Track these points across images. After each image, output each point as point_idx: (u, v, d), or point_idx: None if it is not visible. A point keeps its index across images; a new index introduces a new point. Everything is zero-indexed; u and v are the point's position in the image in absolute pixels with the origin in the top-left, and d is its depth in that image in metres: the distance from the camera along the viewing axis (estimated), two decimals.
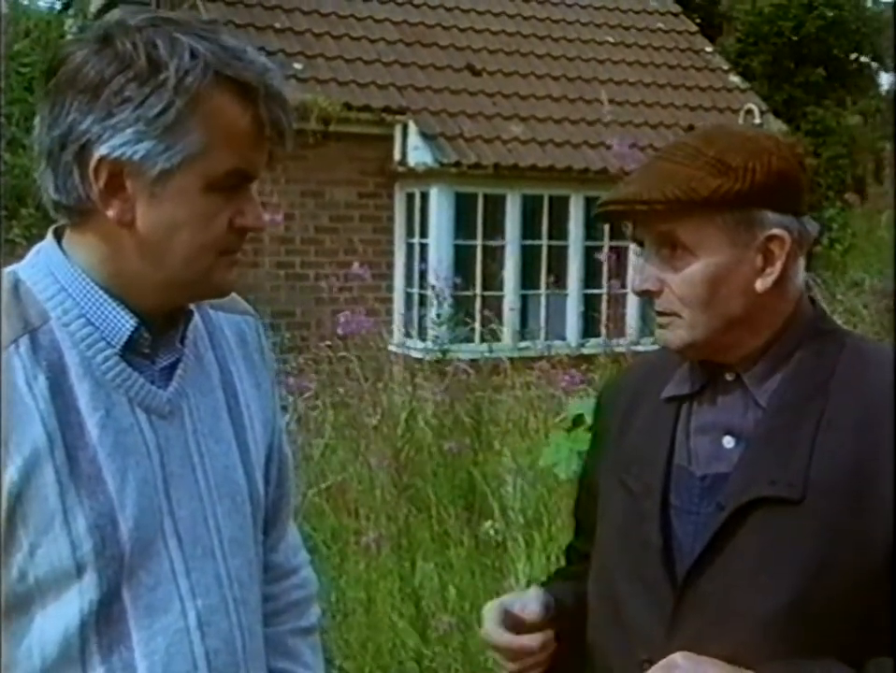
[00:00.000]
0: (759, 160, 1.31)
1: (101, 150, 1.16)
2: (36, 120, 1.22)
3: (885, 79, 20.20)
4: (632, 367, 1.74)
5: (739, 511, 1.30)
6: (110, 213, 1.19)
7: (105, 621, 1.20)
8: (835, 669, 1.25)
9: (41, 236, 1.30)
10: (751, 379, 1.37)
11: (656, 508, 1.38)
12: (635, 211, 1.36)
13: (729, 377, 1.38)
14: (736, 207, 1.31)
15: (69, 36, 7.41)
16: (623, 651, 1.36)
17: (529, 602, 1.46)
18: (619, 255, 9.09)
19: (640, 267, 1.39)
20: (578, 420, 3.34)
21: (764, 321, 1.36)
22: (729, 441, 1.36)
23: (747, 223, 1.32)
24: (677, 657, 1.27)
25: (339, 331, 4.96)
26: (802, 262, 1.38)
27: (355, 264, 7.44)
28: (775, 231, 1.32)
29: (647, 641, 1.33)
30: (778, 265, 1.33)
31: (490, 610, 1.47)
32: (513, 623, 1.45)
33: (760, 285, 1.34)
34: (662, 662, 1.27)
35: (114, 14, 1.25)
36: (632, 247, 9.15)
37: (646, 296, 1.39)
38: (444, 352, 7.16)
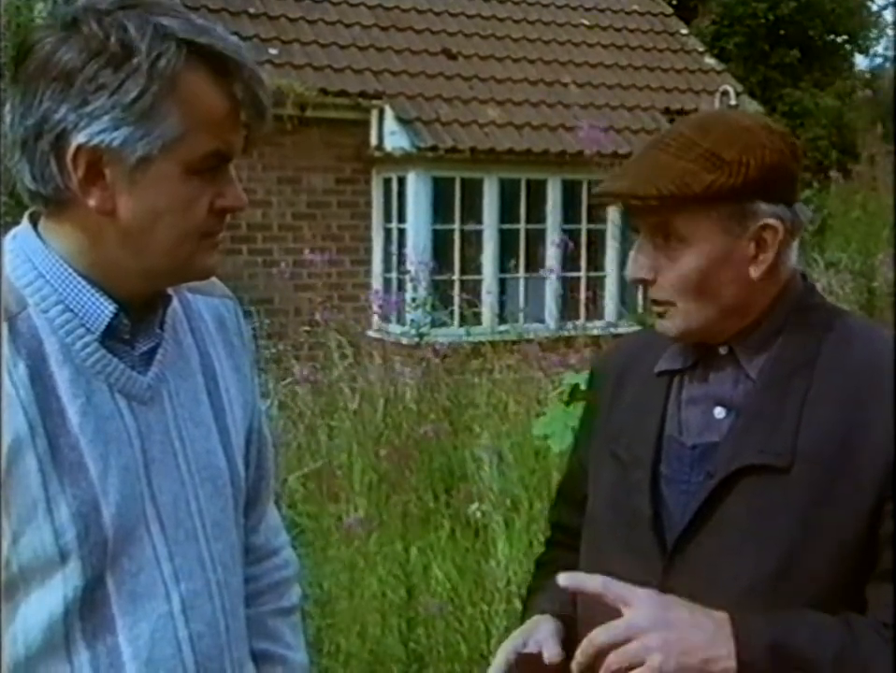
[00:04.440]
0: (753, 154, 1.33)
1: (78, 139, 1.15)
2: (7, 108, 1.20)
3: (859, 60, 20.32)
4: (624, 342, 1.76)
5: (728, 479, 1.33)
6: (91, 202, 1.18)
7: (89, 607, 1.20)
8: (810, 616, 1.28)
9: (16, 223, 1.29)
10: (743, 353, 1.39)
11: (646, 477, 1.40)
12: (629, 203, 1.38)
13: (722, 350, 1.41)
14: (729, 200, 1.33)
15: (39, 21, 7.24)
16: (612, 620, 1.37)
17: (546, 641, 1.43)
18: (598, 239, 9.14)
19: (634, 256, 1.41)
20: (575, 392, 3.26)
21: (756, 303, 1.39)
22: (720, 412, 1.39)
23: (740, 215, 1.34)
24: (639, 618, 1.27)
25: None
26: (794, 245, 1.41)
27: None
28: (768, 220, 1.35)
29: None
30: (771, 253, 1.36)
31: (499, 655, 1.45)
32: (528, 665, 1.43)
33: (754, 272, 1.36)
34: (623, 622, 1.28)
35: None
36: (610, 231, 9.17)
37: (640, 284, 1.41)
38: (422, 336, 7.17)
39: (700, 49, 11.92)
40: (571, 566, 1.54)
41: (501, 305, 9.45)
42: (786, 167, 1.36)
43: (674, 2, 14.58)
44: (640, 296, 8.87)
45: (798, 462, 1.31)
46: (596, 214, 9.50)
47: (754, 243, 1.35)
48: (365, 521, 3.95)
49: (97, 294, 1.23)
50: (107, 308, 1.23)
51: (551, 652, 1.41)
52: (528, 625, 1.50)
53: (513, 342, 7.42)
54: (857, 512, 1.29)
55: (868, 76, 19.04)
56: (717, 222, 1.34)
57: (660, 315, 1.41)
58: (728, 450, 1.35)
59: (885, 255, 7.54)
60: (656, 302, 1.41)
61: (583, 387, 3.20)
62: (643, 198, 1.33)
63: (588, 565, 1.49)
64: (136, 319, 1.27)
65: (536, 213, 9.61)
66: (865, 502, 1.29)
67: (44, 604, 1.19)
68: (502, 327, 8.89)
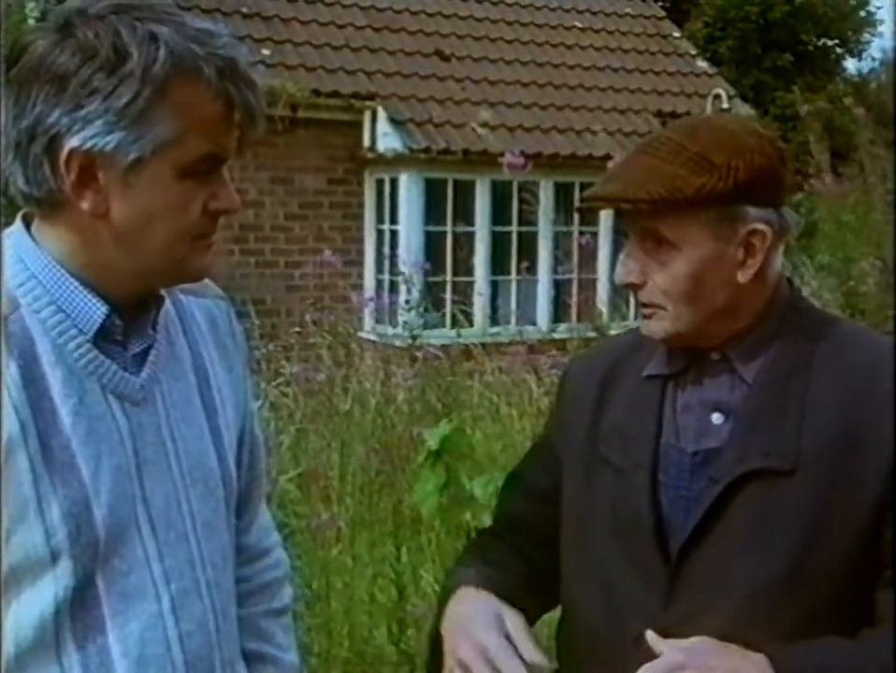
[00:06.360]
0: (742, 158, 1.33)
1: (71, 143, 1.15)
2: (1, 109, 1.20)
3: (850, 65, 20.39)
4: (607, 344, 1.75)
5: (732, 484, 1.33)
6: (84, 205, 1.18)
7: (79, 607, 1.20)
8: (836, 640, 1.28)
9: (8, 223, 1.29)
10: (737, 358, 1.40)
11: (645, 484, 1.40)
12: (619, 207, 1.38)
13: (715, 356, 1.41)
14: (719, 204, 1.34)
15: (31, 21, 7.16)
16: (613, 626, 1.38)
17: (524, 643, 1.36)
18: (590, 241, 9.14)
19: (623, 259, 1.41)
20: (440, 451, 3.23)
21: (745, 307, 1.40)
22: (717, 417, 1.39)
23: (730, 219, 1.35)
24: (679, 655, 1.26)
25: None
26: (781, 249, 1.42)
27: (327, 252, 7.42)
28: (757, 225, 1.35)
29: (642, 617, 1.34)
30: (759, 258, 1.37)
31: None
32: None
33: (742, 277, 1.37)
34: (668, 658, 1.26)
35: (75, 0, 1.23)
36: (602, 234, 9.16)
37: (630, 288, 1.41)
38: (415, 338, 7.17)
39: (693, 52, 11.96)
40: (507, 563, 1.51)
41: (493, 307, 9.46)
42: (774, 171, 1.37)
43: (667, 5, 14.62)
44: (632, 299, 8.90)
45: (801, 464, 1.32)
46: (589, 217, 9.51)
47: (742, 248, 1.36)
48: (333, 521, 3.94)
49: (90, 295, 1.23)
50: (99, 309, 1.23)
51: (535, 658, 1.35)
52: (489, 606, 1.41)
53: (506, 344, 7.43)
54: (860, 513, 1.30)
55: (857, 79, 19.09)
56: (707, 227, 1.34)
57: (647, 317, 1.41)
58: (731, 455, 1.35)
59: (873, 259, 7.56)
60: (645, 305, 1.41)
61: (449, 443, 3.20)
62: (634, 202, 1.34)
63: (580, 569, 1.48)
64: (128, 320, 1.27)
65: (528, 215, 9.62)
66: (868, 503, 1.30)
67: (35, 603, 1.19)
68: (494, 329, 8.90)
